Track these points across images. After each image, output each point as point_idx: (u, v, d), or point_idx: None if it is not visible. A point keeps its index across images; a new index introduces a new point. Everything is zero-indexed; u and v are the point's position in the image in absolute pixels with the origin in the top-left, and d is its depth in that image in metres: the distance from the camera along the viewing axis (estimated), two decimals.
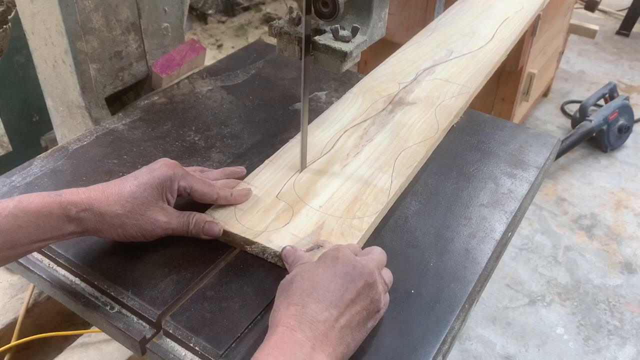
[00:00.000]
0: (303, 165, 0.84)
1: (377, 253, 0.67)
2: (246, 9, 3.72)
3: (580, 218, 2.16)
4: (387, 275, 0.66)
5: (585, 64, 3.21)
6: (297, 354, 0.52)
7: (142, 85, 1.11)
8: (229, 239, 0.74)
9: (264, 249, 0.72)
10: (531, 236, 2.07)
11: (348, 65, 0.73)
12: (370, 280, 0.60)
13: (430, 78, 1.12)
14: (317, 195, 0.81)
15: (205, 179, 0.77)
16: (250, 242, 0.72)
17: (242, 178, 0.83)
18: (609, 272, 1.94)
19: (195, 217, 0.72)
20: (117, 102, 1.08)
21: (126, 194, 0.66)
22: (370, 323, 0.61)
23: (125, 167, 0.86)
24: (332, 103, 1.06)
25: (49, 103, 1.07)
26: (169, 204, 0.71)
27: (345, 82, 1.13)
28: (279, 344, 0.53)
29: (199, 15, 3.49)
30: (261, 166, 0.87)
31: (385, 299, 0.64)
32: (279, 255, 0.70)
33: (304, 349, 0.53)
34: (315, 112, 1.03)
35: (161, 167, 0.71)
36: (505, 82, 2.04)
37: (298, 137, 0.92)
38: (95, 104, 1.02)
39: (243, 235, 0.73)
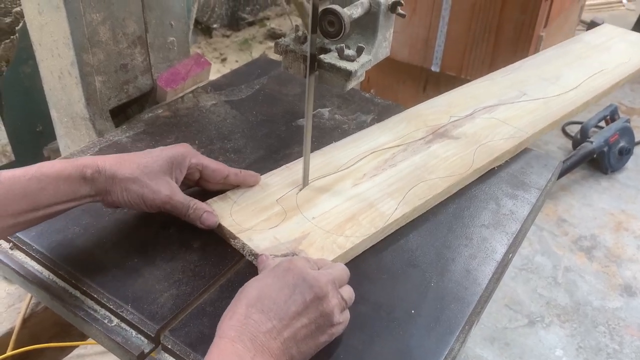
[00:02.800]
0: (305, 181, 0.84)
1: (338, 269, 0.65)
2: (251, 23, 3.76)
3: (580, 239, 2.15)
4: (347, 292, 0.64)
5: None
6: None
7: (146, 99, 1.11)
8: (218, 229, 0.77)
9: (243, 246, 0.74)
10: (531, 256, 2.06)
11: (353, 83, 0.74)
12: (321, 294, 0.59)
13: (487, 116, 1.06)
14: (315, 207, 0.81)
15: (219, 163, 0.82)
16: (234, 237, 0.75)
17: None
18: (608, 294, 1.93)
19: (197, 204, 0.75)
20: (121, 114, 1.08)
21: (136, 162, 0.72)
22: (323, 338, 0.60)
23: None
24: (335, 119, 1.07)
25: (54, 114, 1.08)
26: (176, 182, 0.75)
27: (348, 100, 1.13)
28: (220, 357, 0.54)
29: (203, 29, 3.52)
30: (277, 169, 0.88)
31: (343, 316, 0.63)
32: (255, 254, 0.72)
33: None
34: (319, 128, 1.03)
35: (175, 146, 0.77)
36: None
37: (323, 149, 0.94)
38: (100, 116, 1.02)
39: (229, 228, 0.75)
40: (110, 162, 0.70)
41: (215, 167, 0.79)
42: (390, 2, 0.73)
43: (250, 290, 0.60)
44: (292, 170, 0.88)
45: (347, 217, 0.80)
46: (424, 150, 0.95)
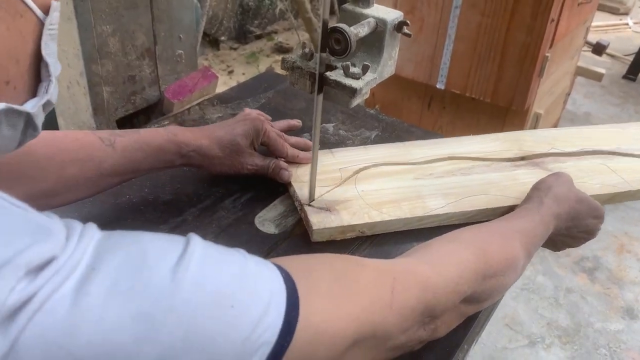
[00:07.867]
0: (311, 197, 0.84)
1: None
2: (258, 37, 3.79)
3: (583, 260, 2.15)
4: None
5: (591, 106, 3.24)
6: (532, 211, 0.75)
7: (153, 110, 1.13)
8: None
9: (294, 193, 0.86)
10: (532, 276, 2.05)
11: (357, 101, 0.74)
12: (599, 216, 0.80)
13: (597, 161, 0.96)
14: (369, 184, 0.88)
15: (281, 134, 0.93)
16: (289, 185, 0.88)
17: (296, 128, 1.01)
18: (610, 316, 1.92)
19: (274, 163, 0.88)
20: (127, 124, 1.09)
21: (225, 142, 0.83)
22: (578, 243, 0.82)
23: (132, 190, 0.87)
24: (339, 135, 1.07)
25: (61, 122, 1.09)
26: (254, 149, 0.88)
27: (353, 115, 1.14)
28: (517, 211, 0.77)
29: (211, 41, 3.55)
30: (354, 147, 0.99)
31: (593, 235, 0.83)
32: (299, 201, 0.84)
33: (533, 212, 0.75)
34: (323, 143, 1.04)
35: (253, 120, 0.87)
36: (512, 122, 2.05)
37: (405, 142, 1.01)
38: (106, 126, 1.03)
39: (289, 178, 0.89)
40: (205, 144, 0.81)
41: (278, 147, 0.90)
42: (396, 22, 0.74)
43: (543, 182, 0.81)
44: (368, 150, 0.97)
45: (391, 199, 0.85)
46: (505, 171, 0.93)
